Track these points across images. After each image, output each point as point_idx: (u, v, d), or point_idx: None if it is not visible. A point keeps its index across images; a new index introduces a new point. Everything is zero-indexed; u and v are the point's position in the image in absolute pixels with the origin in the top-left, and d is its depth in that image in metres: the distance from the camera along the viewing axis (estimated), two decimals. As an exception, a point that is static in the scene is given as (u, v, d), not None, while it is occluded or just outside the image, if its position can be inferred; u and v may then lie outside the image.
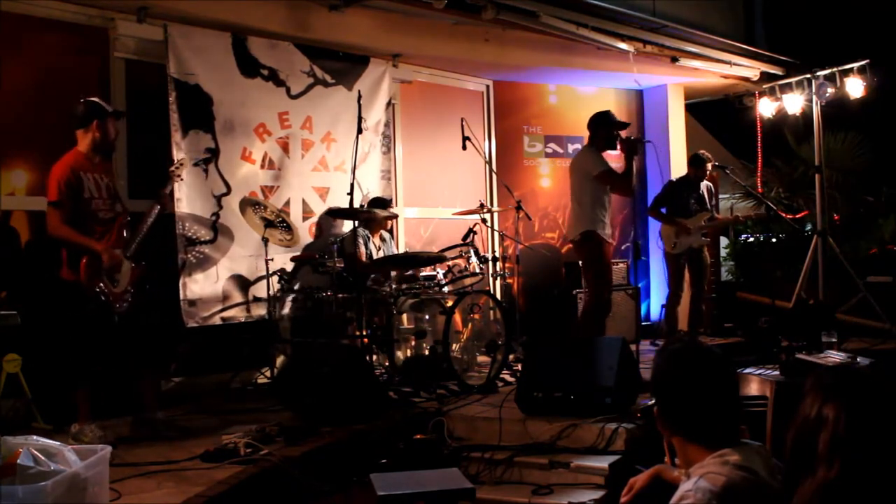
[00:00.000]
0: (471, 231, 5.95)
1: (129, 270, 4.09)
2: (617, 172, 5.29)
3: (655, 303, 8.14)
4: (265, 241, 5.31)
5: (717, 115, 9.42)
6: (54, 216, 3.93)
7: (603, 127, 5.30)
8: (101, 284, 3.93)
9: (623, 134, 5.34)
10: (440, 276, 5.77)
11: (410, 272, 5.74)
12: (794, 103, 7.48)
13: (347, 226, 6.01)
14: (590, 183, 5.17)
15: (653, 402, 1.88)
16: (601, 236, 5.18)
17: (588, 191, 5.18)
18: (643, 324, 7.69)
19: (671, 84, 8.20)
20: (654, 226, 7.45)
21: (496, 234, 7.13)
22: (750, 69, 7.79)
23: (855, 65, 7.07)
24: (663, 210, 6.78)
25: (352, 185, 4.95)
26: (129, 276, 4.09)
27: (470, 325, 5.46)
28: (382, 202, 6.04)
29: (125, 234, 4.15)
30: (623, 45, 6.55)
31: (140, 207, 4.39)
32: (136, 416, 4.21)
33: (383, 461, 3.71)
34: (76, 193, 3.97)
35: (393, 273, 5.51)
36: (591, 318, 5.26)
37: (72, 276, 3.93)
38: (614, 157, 5.79)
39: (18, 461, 2.47)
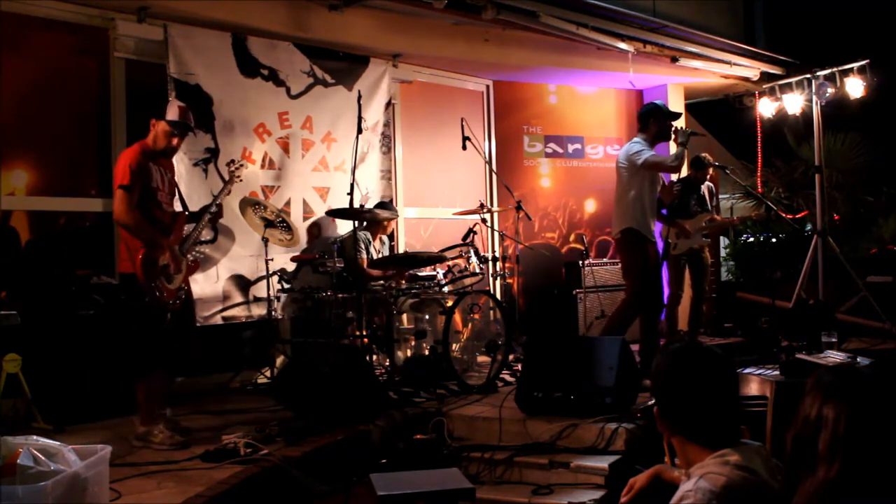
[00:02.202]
0: (471, 231, 5.94)
1: (184, 268, 4.09)
2: (662, 157, 5.10)
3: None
4: (265, 241, 5.31)
5: (717, 115, 9.40)
6: (123, 201, 3.84)
7: (655, 119, 5.10)
8: (156, 282, 3.87)
9: (673, 126, 5.15)
10: (440, 276, 5.76)
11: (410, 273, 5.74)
12: (794, 103, 7.48)
13: (343, 226, 6.01)
14: (636, 176, 4.99)
15: (653, 401, 1.88)
16: (643, 234, 4.99)
17: (634, 185, 4.99)
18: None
19: (671, 84, 8.20)
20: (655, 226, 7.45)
21: (496, 234, 7.13)
22: (750, 69, 7.79)
23: (855, 65, 7.06)
24: (664, 211, 6.78)
25: (352, 185, 4.95)
26: (184, 273, 4.09)
27: (470, 325, 5.46)
28: (386, 206, 6.02)
29: (181, 231, 4.16)
30: (623, 45, 6.55)
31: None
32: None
33: (383, 461, 3.71)
34: (145, 181, 3.94)
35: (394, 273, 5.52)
36: (621, 315, 5.09)
37: (130, 268, 3.88)
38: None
39: (18, 461, 2.47)
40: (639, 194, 5.02)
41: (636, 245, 5.02)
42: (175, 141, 4.10)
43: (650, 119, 5.13)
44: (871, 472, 1.35)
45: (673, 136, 5.12)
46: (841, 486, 1.35)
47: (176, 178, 5.16)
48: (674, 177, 7.47)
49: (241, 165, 4.64)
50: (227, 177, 4.62)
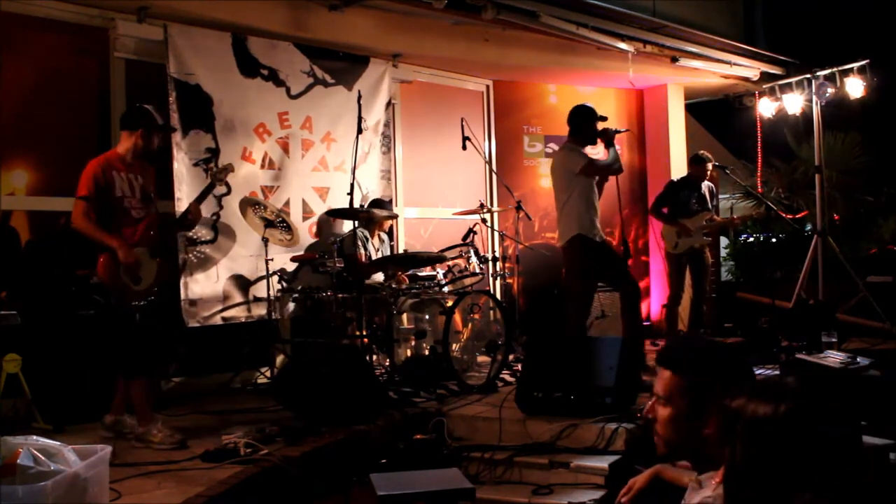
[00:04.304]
0: (471, 231, 5.95)
1: (153, 269, 4.07)
2: (599, 161, 5.12)
3: (655, 303, 8.14)
4: (265, 241, 5.32)
5: (717, 115, 9.42)
6: (77, 207, 3.95)
7: (587, 122, 5.11)
8: (119, 282, 3.91)
9: (599, 127, 5.15)
10: (440, 276, 5.77)
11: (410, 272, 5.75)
12: (794, 103, 7.48)
13: (346, 225, 6.01)
14: (575, 182, 5.00)
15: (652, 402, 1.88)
16: (590, 238, 5.02)
17: (574, 190, 5.01)
18: (643, 324, 7.69)
19: (671, 84, 8.20)
20: (656, 225, 7.46)
21: (496, 234, 7.13)
22: (750, 69, 7.79)
23: (855, 65, 7.06)
24: (664, 210, 6.78)
25: (352, 185, 4.95)
26: (154, 274, 4.07)
27: (470, 325, 5.46)
28: (382, 203, 6.04)
29: (153, 234, 4.14)
30: (623, 45, 6.55)
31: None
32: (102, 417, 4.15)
33: (383, 461, 3.71)
34: (106, 192, 3.97)
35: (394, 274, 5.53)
36: (570, 322, 5.20)
37: (98, 272, 3.95)
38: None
39: (18, 461, 2.47)
40: (580, 197, 5.01)
41: (583, 252, 5.03)
42: (158, 142, 4.18)
43: (582, 123, 5.13)
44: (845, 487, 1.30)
45: (600, 138, 5.12)
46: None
47: (176, 178, 5.20)
48: (673, 176, 7.48)
49: (225, 170, 4.52)
50: (209, 179, 4.53)
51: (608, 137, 5.09)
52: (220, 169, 4.50)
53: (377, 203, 6.02)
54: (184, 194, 5.22)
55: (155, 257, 4.10)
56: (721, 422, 1.44)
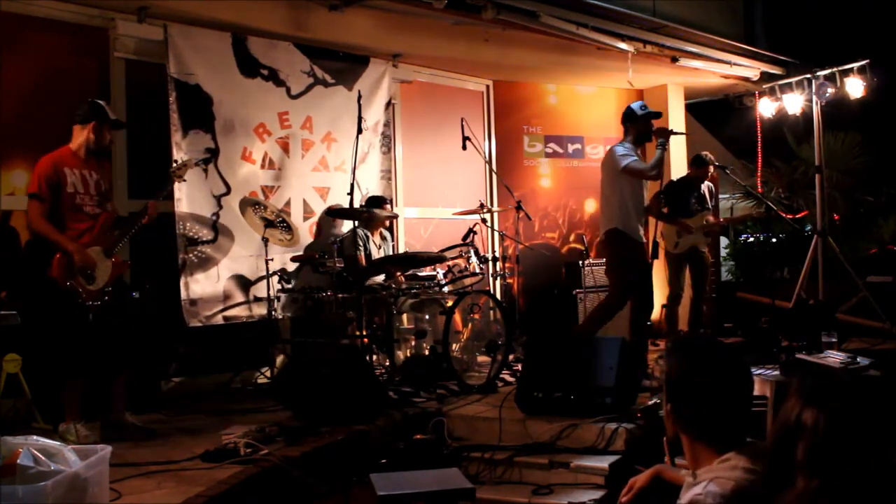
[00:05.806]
0: (471, 231, 5.95)
1: (108, 268, 4.09)
2: (643, 164, 5.15)
3: (656, 303, 8.13)
4: (265, 241, 5.31)
5: (717, 115, 9.41)
6: (33, 209, 4.00)
7: (633, 123, 5.19)
8: (72, 282, 3.95)
9: (655, 124, 5.23)
10: (440, 276, 5.77)
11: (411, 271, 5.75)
12: (794, 103, 7.48)
13: (347, 225, 6.01)
14: (619, 179, 5.05)
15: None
16: (628, 234, 5.04)
17: (617, 187, 5.07)
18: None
19: (671, 84, 8.20)
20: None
21: (496, 234, 7.13)
22: (750, 69, 7.78)
23: (855, 65, 7.06)
24: (664, 210, 6.77)
25: (352, 185, 4.96)
26: (109, 273, 4.09)
27: (470, 325, 5.46)
28: (378, 200, 6.03)
29: (109, 232, 4.16)
30: (623, 45, 6.54)
31: (139, 208, 4.40)
32: (104, 417, 4.15)
33: (383, 461, 3.71)
34: (56, 188, 4.00)
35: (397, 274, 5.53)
36: (598, 313, 5.21)
37: (52, 272, 3.97)
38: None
39: (18, 461, 2.47)
40: (623, 196, 5.06)
41: (619, 245, 5.07)
42: (109, 137, 4.21)
43: (628, 124, 5.22)
44: (850, 487, 1.32)
45: (653, 138, 5.17)
46: (820, 500, 1.32)
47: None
48: (673, 176, 7.48)
49: (183, 166, 4.55)
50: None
51: (661, 137, 5.11)
52: (178, 166, 4.56)
53: (374, 199, 6.01)
54: (183, 195, 5.23)
55: (110, 256, 4.11)
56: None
